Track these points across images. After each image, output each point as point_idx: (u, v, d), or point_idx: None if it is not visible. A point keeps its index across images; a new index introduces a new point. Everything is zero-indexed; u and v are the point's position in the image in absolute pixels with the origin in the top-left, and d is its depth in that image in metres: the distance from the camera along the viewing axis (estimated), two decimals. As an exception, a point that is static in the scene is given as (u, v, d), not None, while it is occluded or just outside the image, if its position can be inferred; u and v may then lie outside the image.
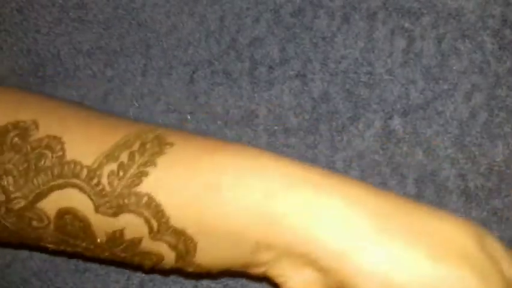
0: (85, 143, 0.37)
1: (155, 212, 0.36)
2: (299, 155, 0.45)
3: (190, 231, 0.36)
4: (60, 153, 0.37)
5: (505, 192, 0.43)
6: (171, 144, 0.37)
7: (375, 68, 0.44)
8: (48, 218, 0.37)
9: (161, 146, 0.36)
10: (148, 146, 0.36)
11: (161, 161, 0.36)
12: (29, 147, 0.37)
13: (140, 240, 0.37)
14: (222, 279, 0.45)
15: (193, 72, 0.46)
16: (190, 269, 0.38)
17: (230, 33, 0.45)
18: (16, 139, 0.37)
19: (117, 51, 0.46)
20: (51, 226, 0.37)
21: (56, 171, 0.37)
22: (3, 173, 0.37)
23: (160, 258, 0.37)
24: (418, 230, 0.35)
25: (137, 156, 0.36)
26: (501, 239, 0.43)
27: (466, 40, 0.43)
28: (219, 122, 0.45)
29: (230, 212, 0.35)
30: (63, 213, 0.37)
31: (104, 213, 0.36)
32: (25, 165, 0.37)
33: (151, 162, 0.36)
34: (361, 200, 0.35)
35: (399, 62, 0.44)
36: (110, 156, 0.36)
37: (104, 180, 0.36)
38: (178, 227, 0.36)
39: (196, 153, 0.36)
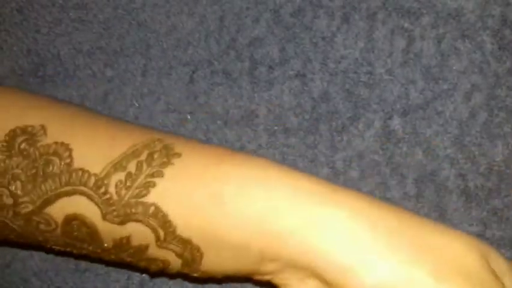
0: (92, 150, 0.37)
1: (162, 221, 0.36)
2: (299, 155, 0.45)
3: (195, 240, 0.36)
4: (68, 160, 0.37)
5: (504, 192, 0.43)
6: (178, 155, 0.37)
7: (375, 68, 0.44)
8: (55, 222, 0.37)
9: (168, 156, 0.37)
10: (155, 155, 0.37)
11: (168, 171, 0.36)
12: (37, 153, 0.37)
13: (146, 247, 0.37)
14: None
15: (193, 72, 0.46)
16: (196, 275, 0.38)
17: (230, 33, 0.45)
18: (24, 144, 0.38)
19: (117, 51, 0.46)
20: (59, 231, 0.38)
21: (64, 179, 0.37)
22: (11, 178, 0.37)
23: (166, 264, 0.37)
24: (422, 246, 0.35)
25: (144, 166, 0.36)
26: (501, 239, 0.43)
27: (466, 40, 0.43)
28: (218, 122, 0.45)
29: (233, 223, 0.35)
30: (70, 219, 0.37)
31: (111, 221, 0.36)
32: (33, 171, 0.37)
33: (158, 173, 0.36)
34: (366, 213, 0.35)
35: (399, 62, 0.44)
36: (117, 165, 0.36)
37: (112, 190, 0.36)
38: (184, 236, 0.36)
39: (202, 164, 0.36)
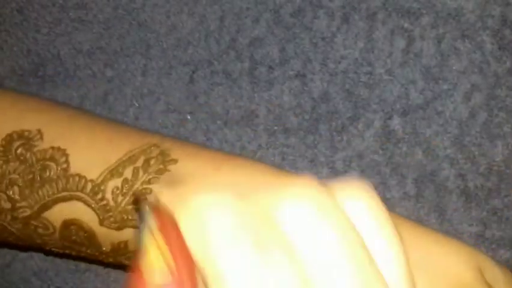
0: (89, 156, 0.37)
1: None
2: (299, 155, 0.45)
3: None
4: (64, 165, 0.37)
5: (504, 192, 0.43)
6: (175, 161, 0.37)
7: (374, 68, 0.44)
8: (53, 227, 0.37)
9: (165, 162, 0.37)
10: (152, 162, 0.37)
11: (164, 178, 0.36)
12: (34, 158, 0.37)
13: None
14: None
15: (193, 72, 0.46)
16: None
17: (230, 33, 0.45)
18: (21, 149, 0.38)
19: (117, 52, 0.46)
20: (57, 235, 0.38)
21: (60, 184, 0.37)
22: (9, 183, 0.37)
23: None
24: (415, 258, 0.35)
25: (141, 173, 0.36)
26: (501, 239, 0.43)
27: (466, 40, 0.43)
28: (218, 122, 0.45)
29: None
30: (68, 224, 0.37)
31: (109, 227, 0.36)
32: (30, 176, 0.37)
33: (154, 180, 0.36)
34: None
35: (398, 62, 0.44)
36: (114, 171, 0.36)
37: (109, 196, 0.36)
38: None
39: (199, 170, 0.36)
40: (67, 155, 0.37)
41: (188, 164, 0.37)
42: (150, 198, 0.29)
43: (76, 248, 0.38)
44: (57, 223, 0.37)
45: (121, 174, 0.36)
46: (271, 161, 0.45)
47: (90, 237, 0.37)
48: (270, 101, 0.45)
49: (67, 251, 0.39)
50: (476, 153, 0.43)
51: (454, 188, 0.43)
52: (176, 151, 0.37)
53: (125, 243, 0.37)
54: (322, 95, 0.44)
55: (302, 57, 0.45)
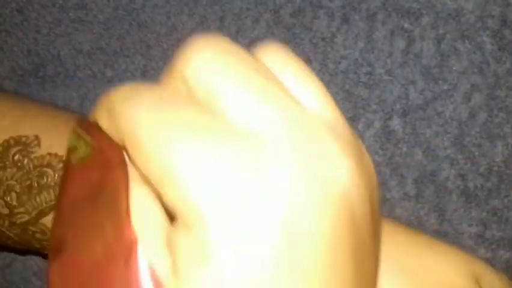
0: None
1: None
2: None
3: None
4: (62, 172, 0.37)
5: (504, 192, 0.43)
6: None
7: (374, 69, 0.44)
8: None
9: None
10: None
11: None
12: (31, 165, 0.37)
13: None
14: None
15: (193, 73, 0.46)
16: None
17: (230, 34, 0.45)
18: (18, 155, 0.38)
19: (117, 52, 0.46)
20: None
21: (58, 191, 0.37)
22: (6, 189, 0.37)
23: None
24: (411, 267, 0.35)
25: None
26: (501, 239, 0.43)
27: (466, 40, 0.43)
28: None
29: None
30: None
31: None
32: (27, 182, 0.37)
33: None
34: None
35: (398, 62, 0.44)
36: None
37: None
38: None
39: None
40: None
41: None
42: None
43: None
44: None
45: None
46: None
47: None
48: (270, 101, 0.45)
49: None
50: (476, 153, 0.43)
51: (453, 189, 0.43)
52: None
53: None
54: (322, 95, 0.45)
55: (302, 57, 0.45)
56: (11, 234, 0.38)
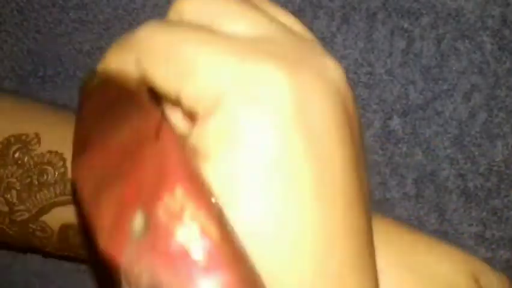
0: None
1: None
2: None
3: None
4: (62, 169, 0.37)
5: (504, 192, 0.43)
6: None
7: (374, 68, 0.44)
8: (51, 230, 0.38)
9: None
10: None
11: None
12: (31, 163, 0.38)
13: None
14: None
15: (193, 73, 0.46)
16: None
17: (230, 34, 0.45)
18: (18, 153, 0.38)
19: (117, 52, 0.46)
20: (55, 238, 0.38)
21: (58, 189, 0.37)
22: (7, 186, 0.37)
23: None
24: (410, 265, 0.35)
25: None
26: (501, 239, 0.43)
27: (466, 40, 0.43)
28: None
29: None
30: (66, 228, 0.37)
31: None
32: (28, 180, 0.37)
33: None
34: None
35: (398, 62, 0.44)
36: None
37: None
38: None
39: None
40: (64, 159, 0.37)
41: None
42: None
43: (74, 251, 0.39)
44: (55, 227, 0.37)
45: None
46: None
47: None
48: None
49: (66, 254, 0.39)
50: (476, 153, 0.43)
51: (453, 188, 0.43)
52: None
53: None
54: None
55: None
56: (11, 232, 0.38)
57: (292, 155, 0.22)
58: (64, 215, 0.37)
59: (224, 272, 0.20)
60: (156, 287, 0.21)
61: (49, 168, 0.37)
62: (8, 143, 0.38)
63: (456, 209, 0.43)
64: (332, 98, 0.23)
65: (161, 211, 0.21)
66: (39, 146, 0.38)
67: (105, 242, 0.22)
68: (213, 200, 0.21)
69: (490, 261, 0.43)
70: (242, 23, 0.24)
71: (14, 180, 0.37)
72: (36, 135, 0.38)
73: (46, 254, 0.44)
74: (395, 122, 0.44)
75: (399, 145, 0.44)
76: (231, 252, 0.21)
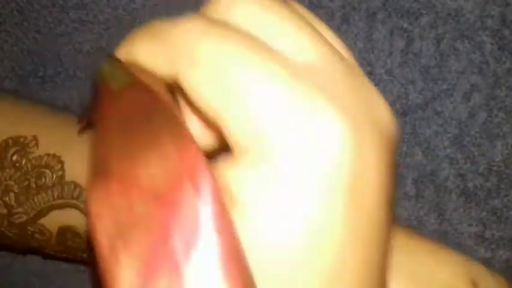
0: (84, 164, 0.37)
1: None
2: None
3: None
4: (60, 173, 0.37)
5: (504, 192, 0.43)
6: None
7: (374, 68, 0.44)
8: (50, 232, 0.38)
9: None
10: None
11: None
12: (29, 165, 0.38)
13: None
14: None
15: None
16: None
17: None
18: (16, 156, 0.38)
19: (117, 52, 0.46)
20: (53, 240, 0.38)
21: (56, 192, 0.37)
22: (5, 189, 0.37)
23: None
24: (411, 272, 0.35)
25: None
26: (500, 239, 0.43)
27: (465, 40, 0.43)
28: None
29: None
30: (64, 230, 0.37)
31: None
32: (26, 183, 0.37)
33: None
34: None
35: (398, 62, 0.44)
36: None
37: None
38: None
39: None
40: (62, 162, 0.37)
41: None
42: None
43: (73, 253, 0.39)
44: (54, 229, 0.37)
45: None
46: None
47: (86, 243, 0.37)
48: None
49: (64, 255, 0.40)
50: (476, 153, 0.43)
51: (453, 188, 0.43)
52: None
53: None
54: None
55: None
56: (10, 234, 0.38)
57: (336, 230, 0.20)
58: (61, 217, 0.37)
59: None
60: None
61: (47, 171, 0.37)
62: (6, 145, 0.38)
63: (456, 208, 0.43)
64: (386, 155, 0.22)
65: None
66: (37, 148, 0.38)
67: None
68: (248, 273, 0.19)
69: (489, 261, 0.43)
70: (296, 43, 0.22)
71: (12, 183, 0.37)
72: (34, 137, 0.38)
73: (46, 256, 0.44)
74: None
75: (399, 145, 0.44)
76: None
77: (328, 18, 0.44)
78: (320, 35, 0.22)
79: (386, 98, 0.44)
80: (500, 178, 0.43)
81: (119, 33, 0.46)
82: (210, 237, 0.19)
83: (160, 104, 0.21)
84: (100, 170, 0.21)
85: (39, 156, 0.38)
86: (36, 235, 0.38)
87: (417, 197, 0.44)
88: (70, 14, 0.47)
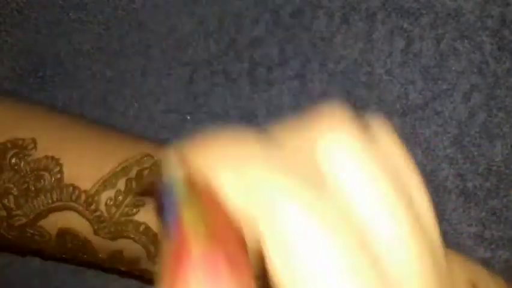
0: (82, 166, 0.38)
1: (152, 239, 0.36)
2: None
3: None
4: (58, 175, 0.37)
5: (503, 192, 0.43)
6: None
7: (374, 68, 0.44)
8: (49, 234, 0.38)
9: (158, 174, 0.37)
10: (145, 173, 0.37)
11: None
12: (27, 168, 0.38)
13: (139, 260, 0.37)
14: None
15: (193, 73, 0.46)
16: None
17: (229, 34, 0.45)
18: (15, 159, 0.38)
19: (117, 52, 0.47)
20: (53, 242, 0.38)
21: (55, 194, 0.37)
22: (4, 192, 0.37)
23: None
24: None
25: (134, 185, 0.37)
26: (500, 239, 0.43)
27: (465, 40, 0.43)
28: (218, 122, 0.46)
29: None
30: (63, 232, 0.37)
31: (103, 236, 0.37)
32: (24, 185, 0.37)
33: None
34: None
35: (398, 62, 0.44)
36: (107, 182, 0.37)
37: (102, 207, 0.36)
38: None
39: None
40: (60, 165, 0.37)
41: None
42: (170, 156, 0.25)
43: (73, 254, 0.39)
44: (53, 231, 0.37)
45: (114, 185, 0.37)
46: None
47: (85, 245, 0.37)
48: (270, 101, 0.45)
49: (64, 257, 0.40)
50: (476, 153, 0.43)
51: (453, 188, 0.43)
52: None
53: (121, 252, 0.37)
54: (321, 95, 0.45)
55: (301, 57, 0.45)
56: (9, 236, 0.38)
57: None
58: (60, 220, 0.37)
59: None
60: None
61: (45, 174, 0.37)
62: (4, 148, 0.38)
63: (455, 208, 0.43)
64: None
65: None
66: (36, 150, 0.38)
67: None
68: None
69: (489, 261, 0.43)
70: (391, 235, 0.20)
71: (11, 185, 0.37)
72: (33, 140, 0.38)
73: (45, 257, 0.44)
74: (395, 122, 0.44)
75: (399, 145, 0.44)
76: None
77: (328, 18, 0.44)
78: (413, 215, 0.21)
79: (386, 98, 0.44)
80: (500, 178, 0.43)
81: (119, 33, 0.47)
82: None
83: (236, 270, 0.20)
84: None
85: (38, 159, 0.38)
86: (36, 237, 0.38)
87: (417, 197, 0.44)
88: (70, 14, 0.47)
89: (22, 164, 0.38)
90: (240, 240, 0.21)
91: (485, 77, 0.43)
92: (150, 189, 0.34)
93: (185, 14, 0.46)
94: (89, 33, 0.47)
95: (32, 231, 0.38)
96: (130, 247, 0.37)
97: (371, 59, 0.44)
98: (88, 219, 0.37)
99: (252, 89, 0.45)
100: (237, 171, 0.20)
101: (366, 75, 0.44)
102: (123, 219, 0.36)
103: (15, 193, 0.37)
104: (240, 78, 0.45)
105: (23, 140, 0.38)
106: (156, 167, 0.37)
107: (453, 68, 0.43)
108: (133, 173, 0.37)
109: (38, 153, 0.38)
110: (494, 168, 0.43)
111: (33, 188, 0.37)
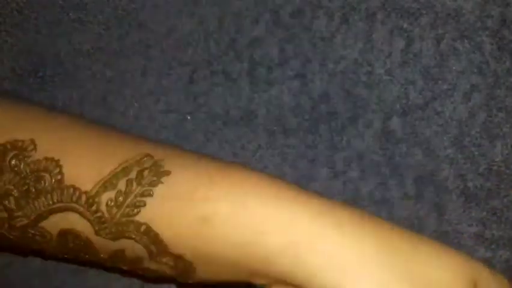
0: (83, 167, 0.38)
1: (153, 239, 0.36)
2: (299, 155, 0.45)
3: (188, 256, 0.36)
4: (58, 176, 0.37)
5: (504, 192, 0.43)
6: (168, 173, 0.37)
7: (374, 68, 0.44)
8: (50, 235, 0.38)
9: (158, 174, 0.37)
10: (145, 173, 0.37)
11: (157, 191, 0.36)
12: (27, 170, 0.38)
13: (141, 260, 0.37)
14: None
15: (193, 73, 0.46)
16: (191, 281, 0.38)
17: (229, 34, 0.45)
18: (15, 160, 0.38)
19: (117, 52, 0.47)
20: (54, 242, 0.38)
21: (55, 196, 0.37)
22: (5, 193, 0.38)
23: (161, 273, 0.38)
24: (410, 272, 0.35)
25: (134, 185, 0.37)
26: (500, 239, 0.43)
27: (465, 40, 0.43)
28: (218, 122, 0.46)
29: (222, 245, 0.36)
30: (65, 233, 0.38)
31: (104, 237, 0.37)
32: (25, 187, 0.37)
33: (147, 192, 0.36)
34: (354, 230, 0.35)
35: (398, 62, 0.44)
36: (108, 183, 0.37)
37: (103, 208, 0.36)
38: (176, 253, 0.36)
39: (192, 184, 0.37)
40: (60, 166, 0.38)
41: (182, 176, 0.37)
42: None
43: (75, 254, 0.39)
44: (54, 232, 0.38)
45: (114, 186, 0.37)
46: (271, 161, 0.45)
47: (87, 245, 0.37)
48: (270, 101, 0.45)
49: (66, 257, 0.40)
50: (476, 153, 0.43)
51: (453, 188, 0.43)
52: (170, 162, 0.37)
53: (122, 251, 0.37)
54: (321, 95, 0.45)
55: (301, 57, 0.45)
56: (11, 237, 0.39)
57: None
58: (62, 221, 0.37)
59: None
60: None
61: (46, 175, 0.37)
62: (4, 149, 0.38)
63: (456, 209, 0.43)
64: None
65: None
66: (36, 152, 0.38)
67: None
68: None
69: (489, 261, 0.43)
70: None
71: (11, 187, 0.38)
72: (32, 141, 0.38)
73: (46, 257, 0.44)
74: (395, 122, 0.44)
75: (399, 145, 0.44)
76: None
77: (327, 18, 0.44)
78: None
79: (386, 98, 0.44)
80: (500, 178, 0.43)
81: (119, 33, 0.46)
82: None
83: None
84: None
85: (38, 160, 0.38)
86: (37, 238, 0.38)
87: (417, 197, 0.44)
88: (70, 14, 0.47)
89: (22, 166, 0.38)
90: None
91: (485, 77, 0.43)
92: None
93: (185, 14, 0.46)
94: (89, 33, 0.47)
95: (33, 232, 0.38)
96: (131, 247, 0.37)
97: (371, 59, 0.44)
98: (89, 220, 0.37)
99: (252, 89, 0.45)
100: None
101: (366, 75, 0.44)
102: (124, 219, 0.36)
103: (16, 194, 0.37)
104: (240, 78, 0.45)
105: (23, 141, 0.38)
106: (156, 167, 0.37)
107: (453, 68, 0.43)
108: (133, 173, 0.37)
109: (38, 155, 0.38)
110: (495, 168, 0.43)
111: (33, 190, 0.37)
